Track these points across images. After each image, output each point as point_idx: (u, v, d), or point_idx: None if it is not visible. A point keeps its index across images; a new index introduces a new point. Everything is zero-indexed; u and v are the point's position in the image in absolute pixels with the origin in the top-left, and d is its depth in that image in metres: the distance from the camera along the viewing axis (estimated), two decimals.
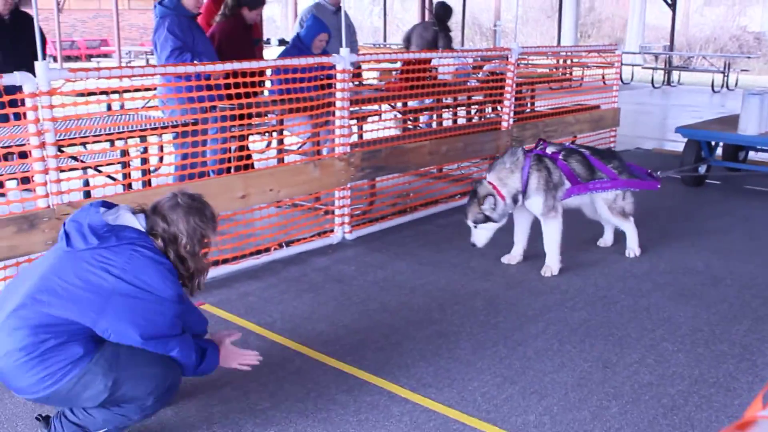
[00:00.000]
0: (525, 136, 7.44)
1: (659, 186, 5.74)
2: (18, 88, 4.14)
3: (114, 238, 2.94)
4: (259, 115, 5.88)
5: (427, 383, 3.70)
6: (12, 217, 4.13)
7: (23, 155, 4.40)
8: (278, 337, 4.21)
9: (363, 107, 6.76)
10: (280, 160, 6.64)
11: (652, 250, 5.72)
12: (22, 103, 4.23)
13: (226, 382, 3.68)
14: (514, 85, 7.19)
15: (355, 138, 6.28)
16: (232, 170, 5.68)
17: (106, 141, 5.73)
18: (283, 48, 7.79)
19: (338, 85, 5.62)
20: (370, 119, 7.07)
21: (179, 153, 5.07)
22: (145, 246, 2.97)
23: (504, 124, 7.20)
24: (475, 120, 8.91)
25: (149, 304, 2.91)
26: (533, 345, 4.13)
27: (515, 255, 5.49)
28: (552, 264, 5.25)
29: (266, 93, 6.96)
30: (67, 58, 25.94)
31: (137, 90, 7.98)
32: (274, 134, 6.75)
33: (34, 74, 4.14)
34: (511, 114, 7.22)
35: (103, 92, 7.29)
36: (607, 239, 5.91)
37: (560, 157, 5.31)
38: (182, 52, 6.14)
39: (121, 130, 5.28)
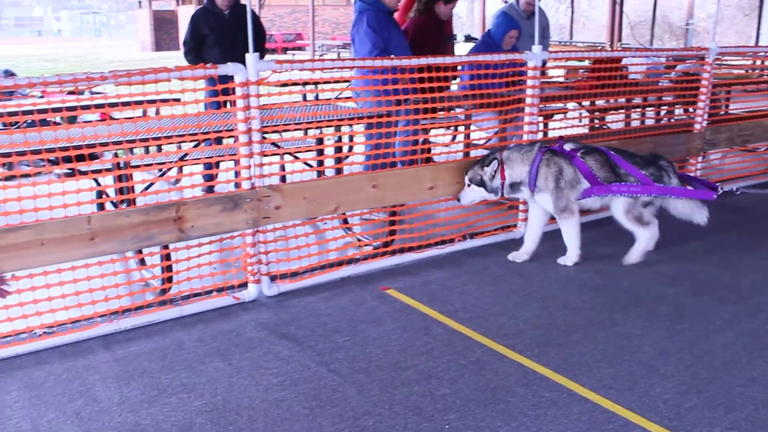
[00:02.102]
0: (719, 140, 7.09)
1: (715, 196, 5.12)
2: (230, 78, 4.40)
3: None
4: (447, 109, 5.94)
5: (607, 384, 3.61)
6: (219, 196, 4.40)
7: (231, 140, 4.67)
8: (460, 326, 4.24)
9: (549, 104, 6.67)
10: (466, 154, 6.68)
11: None
12: (232, 92, 4.49)
13: (410, 366, 3.76)
14: (710, 87, 6.86)
15: (540, 136, 6.21)
16: (419, 162, 5.77)
17: (301, 129, 5.98)
18: (470, 44, 7.80)
19: (529, 82, 5.58)
20: (555, 117, 6.97)
21: (370, 143, 5.22)
22: None
23: (696, 126, 6.88)
24: (664, 121, 8.58)
25: None
26: (720, 355, 3.94)
27: (523, 252, 5.34)
28: (571, 255, 5.24)
29: (454, 88, 7.00)
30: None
31: (336, 82, 8.31)
32: (461, 128, 6.78)
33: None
34: (705, 116, 6.89)
35: (304, 83, 7.64)
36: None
37: (578, 155, 5.06)
38: (379, 48, 6.26)
39: (318, 120, 5.48)
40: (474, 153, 6.39)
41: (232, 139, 4.65)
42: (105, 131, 4.65)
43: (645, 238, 5.21)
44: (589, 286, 4.85)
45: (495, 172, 5.03)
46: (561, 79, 9.56)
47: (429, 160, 6.07)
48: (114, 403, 3.50)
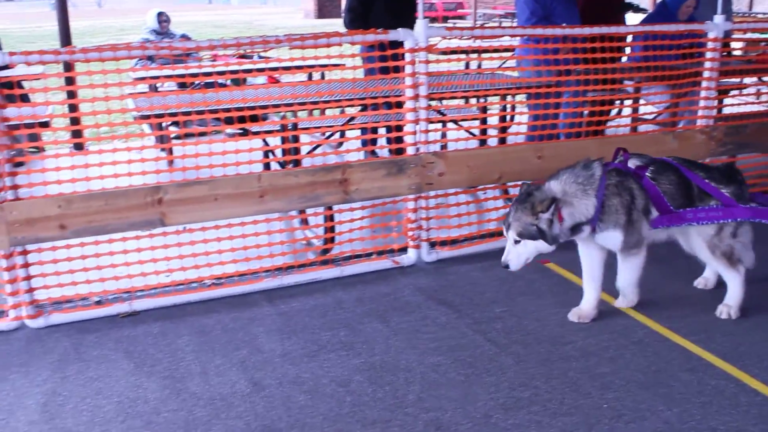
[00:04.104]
0: None
1: None
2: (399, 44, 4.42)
3: None
4: (614, 81, 5.73)
5: None
6: (384, 161, 4.45)
7: (398, 105, 4.69)
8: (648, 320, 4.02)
9: (726, 80, 6.30)
10: (633, 129, 6.43)
11: None
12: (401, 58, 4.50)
13: (568, 341, 3.69)
14: None
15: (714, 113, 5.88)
16: (582, 135, 5.61)
17: (463, 98, 5.93)
18: (632, 14, 7.47)
19: (708, 55, 5.28)
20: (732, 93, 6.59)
21: (532, 114, 5.11)
22: None
23: None
24: None
25: None
26: None
27: (587, 308, 3.98)
28: (630, 297, 4.09)
29: (624, 60, 6.75)
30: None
31: (495, 51, 8.19)
32: (627, 102, 6.54)
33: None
34: None
35: (467, 51, 7.57)
36: (708, 278, 4.37)
37: (647, 174, 3.84)
38: (537, 17, 6.11)
39: (481, 89, 5.42)
40: (642, 128, 6.13)
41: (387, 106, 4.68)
42: (274, 93, 4.79)
43: (738, 282, 3.96)
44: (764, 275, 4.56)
45: (554, 215, 3.65)
46: (738, 53, 9.01)
47: (597, 133, 5.88)
48: (276, 354, 3.64)
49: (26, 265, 4.00)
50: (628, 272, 3.97)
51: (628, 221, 3.78)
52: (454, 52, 7.14)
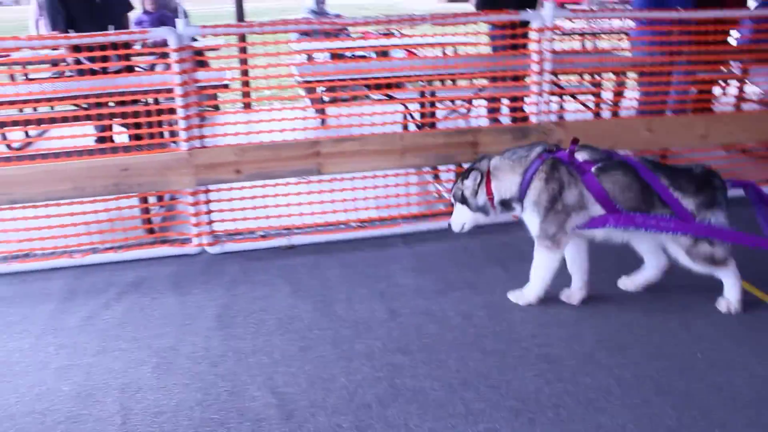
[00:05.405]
0: None
1: None
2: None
3: None
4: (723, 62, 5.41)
5: None
6: (510, 127, 4.38)
7: (515, 79, 4.59)
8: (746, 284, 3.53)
9: None
10: (737, 107, 6.08)
11: None
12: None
13: (666, 296, 3.56)
14: None
15: None
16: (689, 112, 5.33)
17: (579, 74, 5.75)
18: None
19: None
20: None
21: (643, 90, 4.90)
22: None
23: None
24: None
25: None
26: None
27: (575, 290, 3.52)
28: (527, 294, 3.50)
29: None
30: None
31: (611, 32, 7.87)
32: (733, 82, 6.17)
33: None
34: None
35: (584, 33, 7.31)
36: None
37: (592, 170, 3.24)
38: (650, 1, 5.78)
39: (599, 66, 5.24)
40: (746, 107, 5.78)
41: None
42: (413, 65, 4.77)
43: (732, 278, 3.36)
44: None
45: (478, 185, 3.35)
46: None
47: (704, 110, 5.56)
48: (410, 288, 3.69)
49: (207, 202, 4.20)
50: (537, 265, 3.42)
51: (547, 209, 3.26)
52: (572, 33, 6.94)
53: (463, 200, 3.40)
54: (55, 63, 6.31)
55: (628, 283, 3.63)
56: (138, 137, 4.07)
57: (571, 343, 3.15)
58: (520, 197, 3.30)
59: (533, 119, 4.40)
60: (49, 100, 4.08)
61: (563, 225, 3.28)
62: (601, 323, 3.32)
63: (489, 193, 3.34)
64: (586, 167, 3.24)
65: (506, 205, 3.37)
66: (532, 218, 3.34)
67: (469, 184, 3.36)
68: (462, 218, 3.46)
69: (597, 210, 3.27)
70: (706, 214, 3.22)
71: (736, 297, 3.38)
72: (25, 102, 4.18)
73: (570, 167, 3.26)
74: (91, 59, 4.14)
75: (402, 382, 2.88)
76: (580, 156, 3.28)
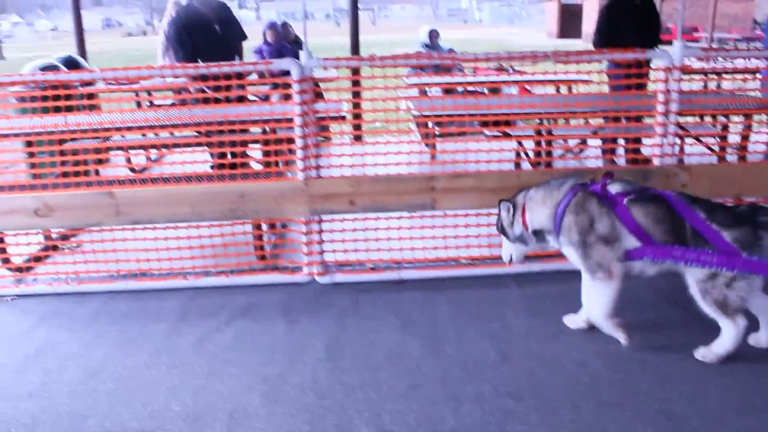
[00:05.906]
0: None
1: None
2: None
3: None
4: None
5: None
6: (633, 169, 4.24)
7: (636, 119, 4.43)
8: None
9: None
10: None
11: None
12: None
13: None
14: None
15: None
16: None
17: (700, 115, 5.52)
18: None
19: None
20: None
21: None
22: None
23: None
24: None
25: None
26: None
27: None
28: (585, 317, 3.52)
29: None
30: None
31: (736, 71, 7.54)
32: None
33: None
34: None
35: (709, 72, 7.02)
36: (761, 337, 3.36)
37: (624, 201, 3.22)
38: None
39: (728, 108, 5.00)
40: None
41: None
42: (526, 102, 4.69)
43: (731, 334, 3.16)
44: None
45: (513, 217, 3.47)
46: None
47: None
48: (522, 331, 3.59)
49: (320, 232, 4.24)
50: (592, 298, 3.40)
51: (581, 242, 3.28)
52: (694, 72, 6.67)
53: (503, 231, 3.54)
54: (179, 91, 6.59)
55: (761, 338, 3.39)
56: (251, 164, 4.17)
57: (694, 400, 2.96)
58: (555, 230, 3.36)
59: (656, 161, 4.23)
60: (174, 126, 4.25)
61: (603, 256, 3.27)
62: (730, 381, 3.10)
63: (524, 223, 3.46)
64: (619, 199, 3.25)
65: (539, 235, 3.46)
66: (569, 251, 3.38)
67: (503, 215, 3.51)
68: (508, 249, 3.61)
69: (632, 242, 3.24)
70: (750, 248, 3.04)
71: (720, 352, 3.21)
72: (163, 127, 4.37)
73: (602, 199, 3.27)
74: (216, 88, 4.27)
75: (513, 429, 2.78)
76: (613, 188, 3.29)
